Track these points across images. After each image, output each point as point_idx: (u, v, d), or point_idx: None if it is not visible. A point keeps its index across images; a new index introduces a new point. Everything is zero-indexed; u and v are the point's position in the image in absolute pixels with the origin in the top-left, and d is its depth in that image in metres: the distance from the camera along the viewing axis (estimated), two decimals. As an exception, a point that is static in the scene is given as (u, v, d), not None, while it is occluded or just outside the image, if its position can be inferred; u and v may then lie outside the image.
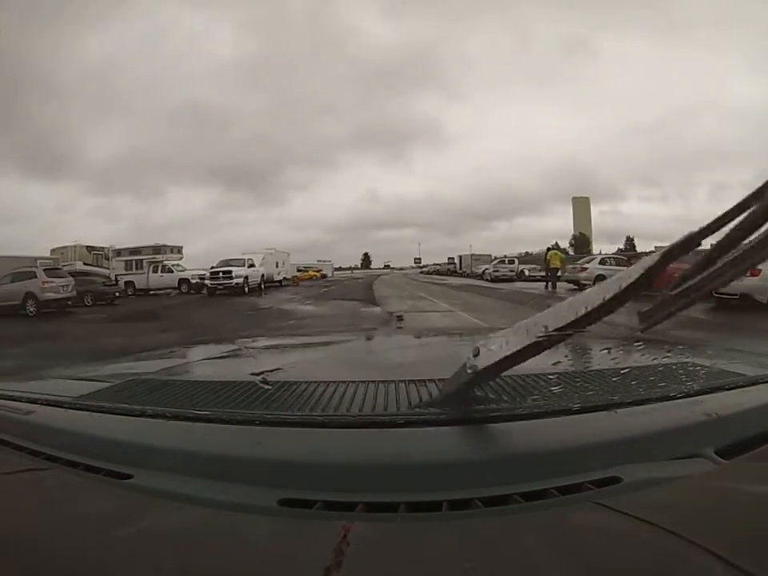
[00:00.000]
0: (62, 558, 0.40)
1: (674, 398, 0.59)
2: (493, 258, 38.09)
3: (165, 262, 23.05)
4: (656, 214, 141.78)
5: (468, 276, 35.77)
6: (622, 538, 0.38)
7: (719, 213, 0.41)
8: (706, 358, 0.81)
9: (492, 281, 24.93)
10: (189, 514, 0.45)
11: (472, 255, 43.21)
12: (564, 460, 0.49)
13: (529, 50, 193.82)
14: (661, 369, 0.71)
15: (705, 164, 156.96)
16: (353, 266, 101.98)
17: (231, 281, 19.30)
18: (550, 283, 16.39)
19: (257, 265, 21.99)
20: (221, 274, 19.60)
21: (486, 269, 29.29)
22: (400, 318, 3.08)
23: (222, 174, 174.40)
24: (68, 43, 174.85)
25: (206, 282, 19.88)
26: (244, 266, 20.47)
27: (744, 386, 0.64)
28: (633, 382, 0.64)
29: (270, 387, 0.69)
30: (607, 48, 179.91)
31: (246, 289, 19.66)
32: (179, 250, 26.24)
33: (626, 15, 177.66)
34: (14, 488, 0.53)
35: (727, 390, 0.62)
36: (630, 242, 75.32)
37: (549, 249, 19.26)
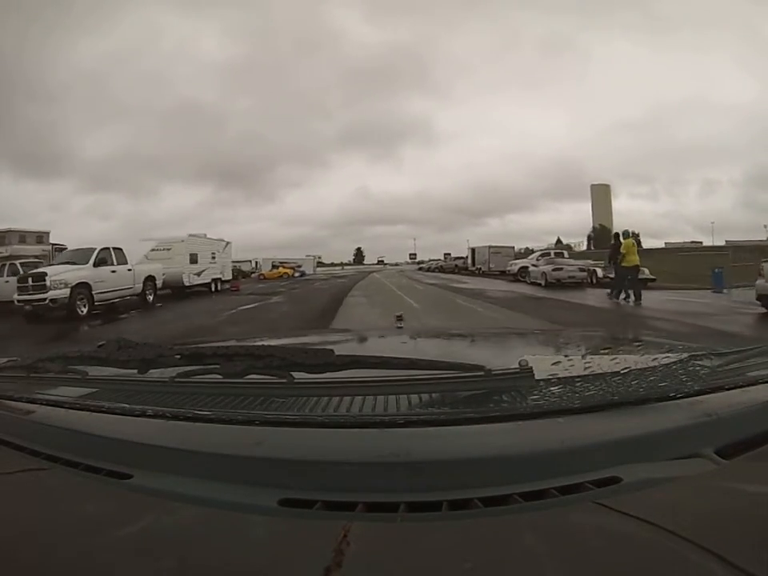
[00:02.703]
0: (62, 557, 0.40)
1: (674, 398, 0.58)
2: (535, 249, 27.15)
3: (13, 261, 13.20)
4: (646, 210, 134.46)
5: (488, 275, 25.84)
6: (622, 538, 0.38)
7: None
8: (705, 359, 0.76)
9: (546, 286, 15.03)
10: (189, 514, 0.45)
11: (490, 247, 28.78)
12: (564, 460, 0.49)
13: (518, 50, 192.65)
14: (661, 369, 0.69)
15: (694, 161, 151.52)
16: (345, 262, 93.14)
17: (44, 294, 9.44)
18: (625, 291, 9.98)
19: (131, 261, 12.10)
20: (29, 282, 9.77)
21: (534, 266, 18.07)
22: (400, 318, 1.97)
23: (215, 173, 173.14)
24: (60, 45, 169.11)
25: (15, 296, 10.03)
26: (87, 262, 10.65)
27: (744, 386, 0.64)
28: (633, 382, 0.63)
29: (268, 386, 0.67)
30: (595, 47, 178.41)
31: (85, 308, 10.01)
32: (40, 238, 16.06)
33: (613, 15, 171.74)
34: (14, 488, 0.54)
35: (727, 389, 0.62)
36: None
37: (619, 235, 10.80)
